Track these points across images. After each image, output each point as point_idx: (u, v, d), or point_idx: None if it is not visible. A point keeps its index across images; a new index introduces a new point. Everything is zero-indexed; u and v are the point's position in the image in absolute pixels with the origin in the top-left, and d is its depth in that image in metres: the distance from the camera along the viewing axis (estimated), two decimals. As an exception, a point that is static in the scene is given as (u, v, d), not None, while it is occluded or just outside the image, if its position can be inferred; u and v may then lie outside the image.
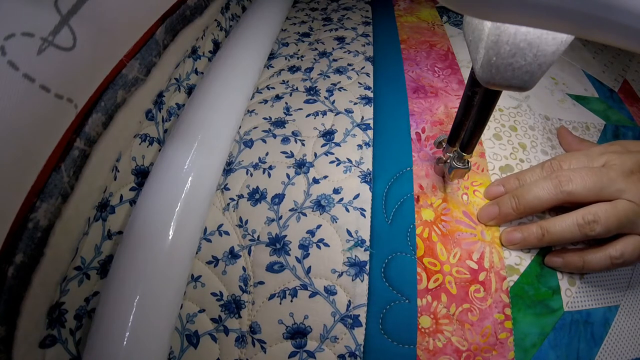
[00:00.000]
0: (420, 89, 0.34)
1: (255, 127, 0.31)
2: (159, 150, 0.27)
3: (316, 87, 0.34)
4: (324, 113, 0.32)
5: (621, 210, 0.23)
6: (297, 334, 0.23)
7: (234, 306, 0.24)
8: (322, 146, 0.29)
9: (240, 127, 0.31)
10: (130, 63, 0.25)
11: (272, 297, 0.24)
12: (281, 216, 0.26)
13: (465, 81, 0.34)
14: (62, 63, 0.16)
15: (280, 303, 0.24)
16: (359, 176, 0.28)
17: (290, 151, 0.29)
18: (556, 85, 0.38)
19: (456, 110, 0.32)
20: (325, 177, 0.28)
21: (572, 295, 0.26)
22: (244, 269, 0.25)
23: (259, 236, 0.26)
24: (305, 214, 0.26)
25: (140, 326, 0.20)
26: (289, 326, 0.23)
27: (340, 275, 0.24)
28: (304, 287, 0.24)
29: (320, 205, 0.26)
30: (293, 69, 0.36)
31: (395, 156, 0.29)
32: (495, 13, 0.12)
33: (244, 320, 0.23)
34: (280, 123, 0.31)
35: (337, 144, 0.29)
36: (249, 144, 0.30)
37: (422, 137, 0.30)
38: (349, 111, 0.32)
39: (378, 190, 0.27)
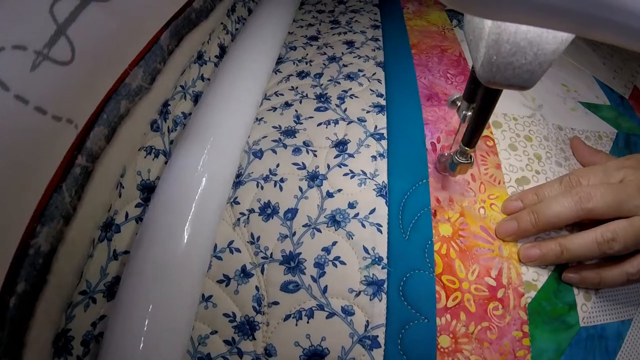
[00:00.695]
0: (434, 97, 0.33)
1: (264, 137, 0.30)
2: (165, 163, 0.26)
3: (327, 94, 0.33)
4: (336, 122, 0.31)
5: (638, 227, 0.23)
6: (315, 356, 0.22)
7: (247, 327, 0.23)
8: (335, 157, 0.28)
9: (249, 135, 0.30)
10: (134, 71, 0.23)
11: (287, 317, 0.23)
12: (295, 232, 0.25)
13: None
14: (60, 79, 0.14)
15: (296, 324, 0.23)
16: (374, 189, 0.27)
17: (302, 162, 0.28)
18: (568, 93, 0.37)
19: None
20: (340, 190, 0.27)
21: (588, 311, 0.26)
22: (257, 288, 0.24)
23: (272, 254, 0.25)
24: (319, 230, 0.25)
25: (152, 349, 0.19)
26: (305, 348, 0.22)
27: (358, 294, 0.23)
28: (321, 307, 0.23)
29: (335, 221, 0.26)
30: (302, 75, 0.35)
31: (411, 168, 0.28)
32: (496, 12, 0.12)
33: (258, 342, 0.23)
34: (291, 132, 0.30)
35: (351, 155, 0.28)
36: (258, 154, 0.29)
37: (438, 148, 0.30)
38: (361, 120, 0.31)
39: (394, 204, 0.26)
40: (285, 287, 0.24)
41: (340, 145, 0.29)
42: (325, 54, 0.37)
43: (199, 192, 0.23)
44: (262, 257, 0.25)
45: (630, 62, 0.44)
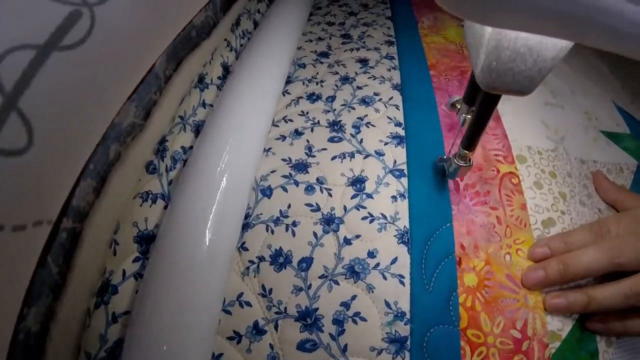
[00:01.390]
0: (455, 127, 0.31)
1: (273, 171, 0.28)
2: (165, 208, 0.23)
3: (340, 121, 0.31)
4: (352, 155, 0.28)
5: None
6: None
7: (261, 391, 0.21)
8: (352, 198, 0.26)
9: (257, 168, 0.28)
10: (125, 107, 0.20)
11: (304, 381, 0.21)
12: (310, 284, 0.23)
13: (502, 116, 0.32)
14: (15, 176, 0.10)
15: (315, 388, 0.21)
16: (395, 235, 0.25)
17: (316, 203, 0.26)
18: (589, 122, 0.36)
19: (496, 152, 0.30)
20: (358, 236, 0.25)
21: (609, 357, 0.25)
22: (271, 346, 0.22)
23: (286, 308, 0.23)
24: (337, 282, 0.23)
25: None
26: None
27: (380, 353, 0.22)
28: (340, 369, 0.21)
29: (354, 272, 0.24)
30: (313, 97, 0.33)
31: (434, 210, 0.26)
32: (492, 18, 0.12)
33: (273, 408, 0.21)
34: (302, 166, 0.28)
35: (369, 196, 0.26)
36: (267, 192, 0.27)
37: (461, 186, 0.28)
38: (379, 153, 0.29)
39: (416, 252, 0.25)
40: (302, 346, 0.22)
41: (358, 183, 0.27)
42: (337, 73, 0.35)
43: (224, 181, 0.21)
44: (275, 312, 0.23)
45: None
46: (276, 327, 0.22)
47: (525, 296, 0.25)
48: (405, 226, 0.25)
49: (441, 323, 0.23)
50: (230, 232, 0.23)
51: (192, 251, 0.21)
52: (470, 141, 0.22)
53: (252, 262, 0.24)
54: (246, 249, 0.25)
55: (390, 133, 0.30)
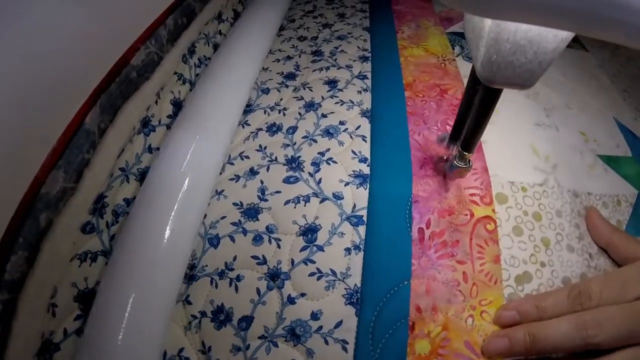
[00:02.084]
0: (427, 163, 0.28)
1: (223, 217, 0.26)
2: (106, 264, 0.23)
3: (299, 157, 0.28)
4: (307, 199, 0.26)
5: None
6: None
7: None
8: (301, 250, 0.24)
9: (205, 215, 0.26)
10: (52, 175, 0.19)
11: None
12: (249, 345, 0.22)
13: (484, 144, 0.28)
14: None
15: None
16: (344, 295, 0.23)
17: (263, 256, 0.25)
18: (586, 144, 0.31)
19: (472, 192, 0.27)
20: (303, 294, 0.23)
21: None
22: (206, 410, 0.22)
23: (223, 370, 0.22)
24: (276, 344, 0.22)
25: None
26: None
27: None
28: None
29: (294, 335, 0.22)
30: (273, 129, 0.30)
31: (391, 265, 0.24)
32: (497, 11, 0.12)
33: None
34: (253, 212, 0.26)
35: (320, 248, 0.24)
36: (214, 241, 0.25)
37: (426, 236, 0.25)
38: (337, 197, 0.26)
39: (366, 315, 0.23)
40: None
41: (309, 233, 0.25)
42: (302, 98, 0.32)
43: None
44: (212, 374, 0.22)
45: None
46: (212, 390, 0.22)
47: (484, 366, 0.22)
48: (356, 284, 0.23)
49: (387, 394, 0.21)
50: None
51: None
52: (469, 142, 0.22)
53: (194, 316, 0.24)
54: (190, 303, 0.24)
55: (353, 171, 0.27)
